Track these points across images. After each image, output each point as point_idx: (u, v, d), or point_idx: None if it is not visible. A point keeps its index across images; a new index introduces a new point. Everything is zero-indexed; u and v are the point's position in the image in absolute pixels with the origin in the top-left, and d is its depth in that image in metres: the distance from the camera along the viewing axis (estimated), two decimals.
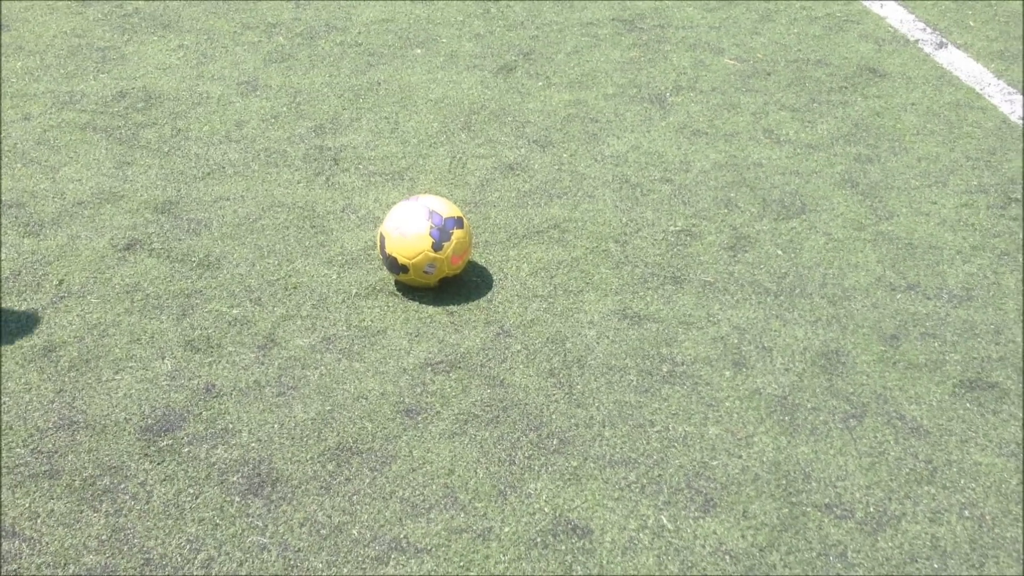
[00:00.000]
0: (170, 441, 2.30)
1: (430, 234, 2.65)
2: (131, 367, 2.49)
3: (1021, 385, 2.50)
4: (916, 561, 2.09)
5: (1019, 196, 3.17)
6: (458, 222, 2.70)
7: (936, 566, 2.08)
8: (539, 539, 2.11)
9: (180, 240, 2.93)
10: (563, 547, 2.10)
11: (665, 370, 2.53)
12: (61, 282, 2.75)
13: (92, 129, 3.43)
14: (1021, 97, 3.68)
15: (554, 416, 2.40)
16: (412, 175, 3.25)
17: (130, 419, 2.35)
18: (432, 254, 2.66)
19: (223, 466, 2.24)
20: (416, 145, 3.40)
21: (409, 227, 2.67)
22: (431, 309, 2.71)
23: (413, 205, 2.71)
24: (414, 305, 2.72)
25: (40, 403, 2.38)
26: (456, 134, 3.46)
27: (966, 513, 2.19)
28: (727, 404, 2.44)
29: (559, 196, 3.16)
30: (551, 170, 3.28)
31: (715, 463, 2.29)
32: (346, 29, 4.11)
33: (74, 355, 2.51)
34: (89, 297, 2.71)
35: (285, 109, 3.58)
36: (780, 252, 2.94)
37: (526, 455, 2.30)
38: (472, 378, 2.49)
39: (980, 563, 2.09)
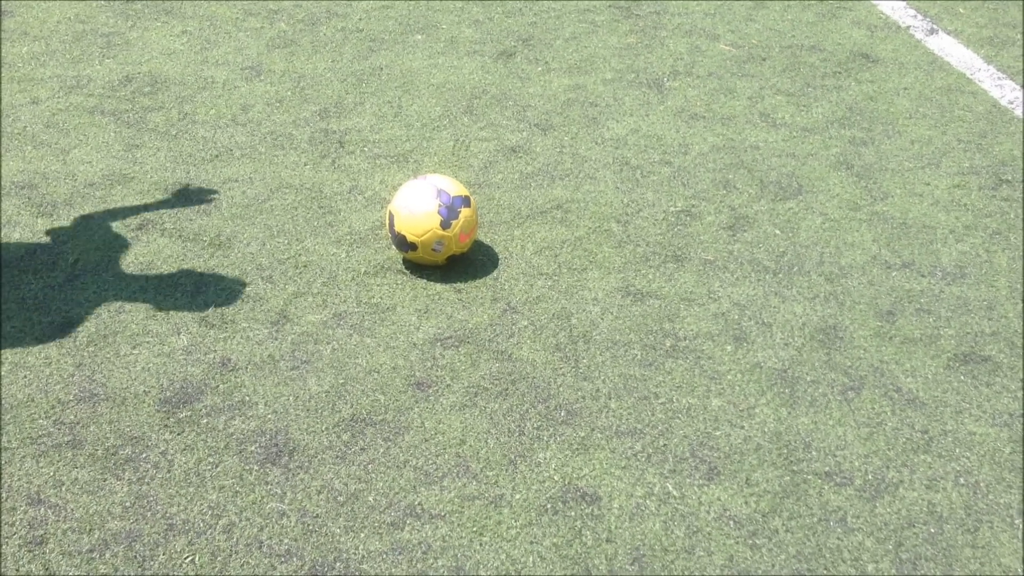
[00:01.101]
0: (189, 413, 2.36)
1: (438, 212, 2.71)
2: (148, 342, 2.54)
3: (1013, 358, 2.58)
4: (913, 526, 2.17)
5: (1009, 177, 3.26)
6: (465, 200, 2.76)
7: (932, 531, 2.16)
8: (549, 506, 2.18)
9: (191, 220, 2.98)
10: (572, 513, 2.17)
11: (668, 345, 2.60)
12: (76, 261, 2.80)
13: (100, 113, 3.47)
14: (1010, 82, 3.76)
15: (561, 389, 2.47)
16: (416, 157, 3.31)
17: (149, 392, 2.41)
18: (440, 232, 2.72)
19: (241, 436, 2.30)
20: (420, 128, 3.46)
21: (418, 205, 2.73)
22: (439, 287, 2.77)
23: (421, 184, 2.77)
24: (422, 283, 2.78)
25: (61, 376, 2.43)
26: (459, 118, 3.51)
27: (961, 480, 2.27)
28: (729, 377, 2.51)
29: (561, 178, 3.23)
30: (553, 152, 3.35)
31: (718, 433, 2.36)
32: (347, 15, 4.15)
33: (92, 331, 2.56)
34: (104, 275, 2.76)
35: (289, 93, 3.63)
36: (778, 232, 3.01)
37: (535, 426, 2.37)
38: (481, 353, 2.56)
39: (975, 528, 2.17)
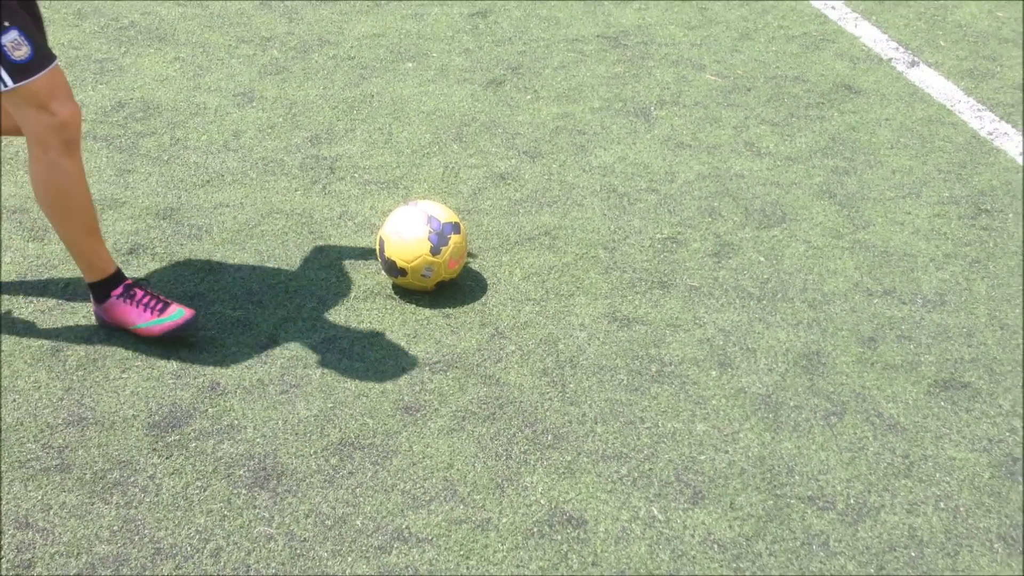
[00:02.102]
0: (177, 436, 2.37)
1: (428, 239, 2.74)
2: (137, 366, 2.56)
3: (992, 385, 2.62)
4: (894, 550, 2.20)
5: (988, 207, 3.32)
6: (455, 227, 2.80)
7: (913, 555, 2.19)
8: (536, 529, 2.20)
9: (182, 245, 3.01)
10: (559, 537, 2.19)
11: (654, 370, 2.64)
12: (67, 285, 2.82)
13: (92, 138, 3.50)
14: (990, 113, 3.83)
15: (548, 413, 2.49)
16: (406, 184, 3.35)
17: (138, 415, 2.42)
18: (430, 258, 2.75)
19: (229, 460, 2.32)
20: (410, 155, 3.50)
21: (408, 231, 2.76)
22: (428, 312, 2.80)
23: (412, 210, 2.81)
24: (411, 308, 2.81)
25: (49, 400, 2.45)
26: (448, 145, 3.56)
27: (941, 505, 2.30)
28: (714, 402, 2.55)
29: (549, 204, 3.27)
30: (541, 180, 3.39)
31: (703, 458, 2.39)
32: (338, 43, 4.21)
33: (81, 355, 2.58)
34: None
35: (281, 120, 3.67)
36: (762, 259, 3.06)
37: (522, 450, 2.39)
38: (469, 377, 2.58)
39: (955, 552, 2.20)
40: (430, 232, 2.75)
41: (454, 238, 2.78)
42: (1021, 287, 2.96)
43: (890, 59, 4.20)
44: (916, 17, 4.56)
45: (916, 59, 4.21)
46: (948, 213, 3.28)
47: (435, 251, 2.75)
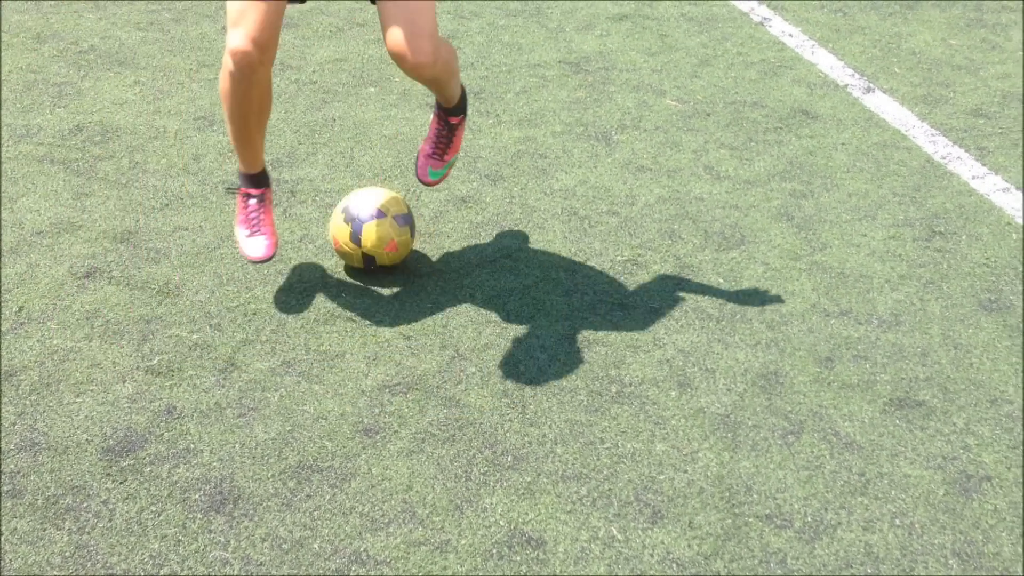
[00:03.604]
0: (132, 461, 2.34)
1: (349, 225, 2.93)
2: (92, 391, 2.53)
3: (945, 403, 2.66)
4: (851, 567, 2.21)
5: (942, 229, 3.38)
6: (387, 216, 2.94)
7: (869, 571, 2.21)
8: (495, 551, 2.19)
9: (139, 268, 2.98)
10: (518, 558, 2.18)
11: (614, 391, 2.64)
12: (21, 309, 2.78)
13: (49, 162, 3.47)
14: (943, 138, 3.91)
15: (508, 434, 2.49)
16: None
17: (92, 440, 2.38)
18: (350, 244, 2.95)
19: (185, 484, 2.29)
20: (371, 179, 3.50)
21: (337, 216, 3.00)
22: (388, 333, 2.79)
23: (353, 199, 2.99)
24: (371, 330, 2.80)
25: (2, 426, 2.40)
26: (410, 168, 3.57)
27: (897, 522, 2.32)
28: (673, 422, 2.56)
29: (510, 227, 3.28)
30: (502, 203, 3.41)
31: (662, 477, 2.40)
32: (301, 68, 4.21)
33: (35, 379, 2.54)
34: (49, 323, 2.74)
35: None
36: (721, 280, 3.09)
37: (481, 471, 2.38)
38: (428, 399, 2.58)
39: (910, 568, 2.22)
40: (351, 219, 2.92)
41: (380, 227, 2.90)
42: (974, 307, 3.01)
43: (846, 85, 4.28)
44: (872, 45, 4.65)
45: (872, 85, 4.29)
46: (903, 235, 3.34)
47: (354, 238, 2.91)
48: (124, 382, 2.55)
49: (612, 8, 4.92)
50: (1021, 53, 4.63)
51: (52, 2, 4.66)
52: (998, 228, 3.39)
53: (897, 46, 4.65)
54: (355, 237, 2.91)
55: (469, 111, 3.03)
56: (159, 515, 2.21)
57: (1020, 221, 3.42)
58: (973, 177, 3.67)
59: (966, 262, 3.21)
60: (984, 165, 3.74)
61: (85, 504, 2.22)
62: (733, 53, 4.51)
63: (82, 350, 2.66)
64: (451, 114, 2.99)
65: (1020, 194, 3.57)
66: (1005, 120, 4.05)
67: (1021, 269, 3.19)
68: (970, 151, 3.83)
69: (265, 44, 2.46)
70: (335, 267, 3.05)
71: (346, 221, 2.93)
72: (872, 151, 3.81)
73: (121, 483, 2.28)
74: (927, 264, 3.20)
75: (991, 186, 3.61)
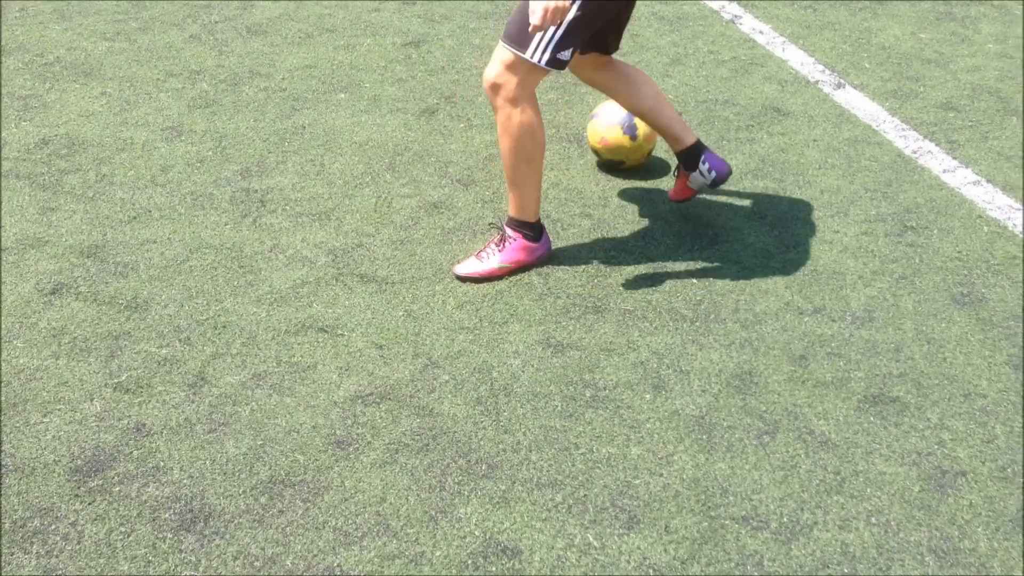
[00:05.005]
0: (100, 481, 2.30)
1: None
2: (59, 409, 2.49)
3: (919, 399, 2.66)
4: (828, 567, 2.21)
5: (914, 224, 3.39)
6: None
7: (846, 571, 2.20)
8: (470, 561, 2.17)
9: (107, 283, 2.94)
10: (493, 568, 2.16)
11: (588, 395, 2.63)
12: None
13: (15, 176, 3.43)
14: (914, 132, 3.92)
15: (482, 443, 2.47)
16: (339, 215, 3.32)
17: (59, 461, 2.35)
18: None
19: (154, 504, 2.26)
20: (342, 186, 3.48)
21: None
22: (360, 343, 2.77)
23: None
24: (343, 340, 2.78)
25: None
26: (381, 175, 3.54)
27: (872, 520, 2.32)
28: (648, 426, 2.55)
29: (483, 232, 3.26)
30: (474, 208, 3.39)
31: (637, 482, 2.39)
32: (270, 75, 4.18)
33: (0, 400, 2.50)
34: (15, 342, 2.70)
35: (210, 153, 3.62)
36: (695, 280, 3.08)
37: (456, 481, 2.36)
38: (402, 409, 2.55)
39: (887, 566, 2.21)
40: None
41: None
42: (946, 301, 3.02)
43: (817, 82, 4.28)
44: (842, 40, 4.66)
45: (842, 81, 4.30)
46: (875, 231, 3.34)
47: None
48: (92, 400, 2.52)
49: None
50: (991, 46, 4.66)
51: (17, 13, 4.61)
52: (969, 221, 3.40)
53: (867, 41, 4.66)
54: (631, 132, 3.45)
55: (535, 248, 3.09)
56: (128, 536, 2.18)
57: (990, 214, 3.43)
58: (944, 171, 3.68)
59: (938, 256, 3.22)
60: (955, 158, 3.75)
61: (53, 526, 2.19)
62: (704, 51, 4.50)
63: (49, 368, 2.62)
64: (509, 223, 3.07)
65: (990, 187, 3.58)
66: (975, 113, 4.06)
67: (992, 262, 3.20)
68: (940, 145, 3.84)
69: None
70: (306, 276, 3.02)
71: (618, 124, 3.47)
72: (843, 147, 3.81)
73: (90, 504, 2.25)
74: (899, 259, 3.21)
75: (961, 179, 3.63)
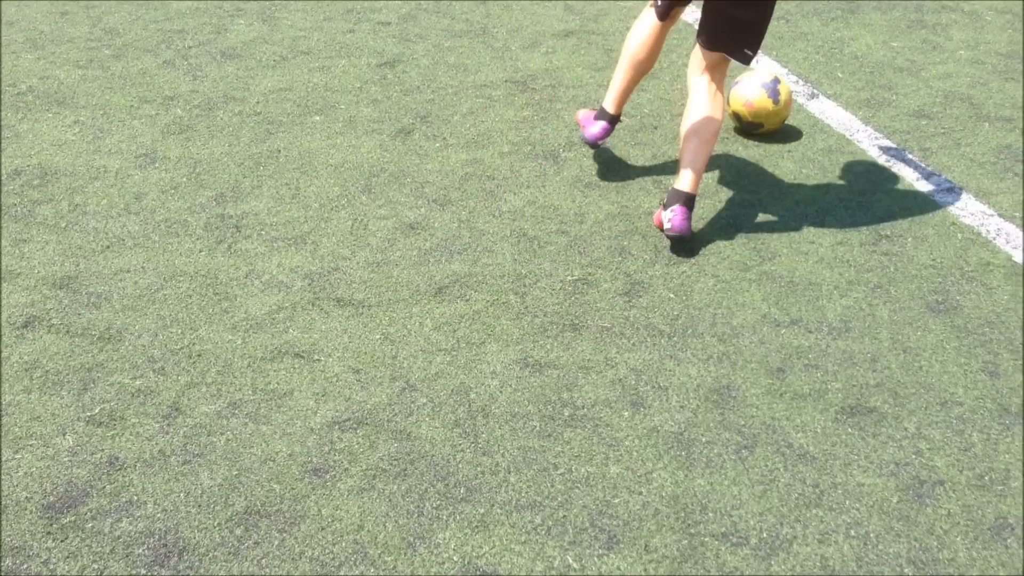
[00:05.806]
0: (73, 517, 2.28)
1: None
2: (31, 445, 2.46)
3: (897, 408, 2.66)
4: None
5: (888, 232, 3.40)
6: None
7: None
8: None
9: (80, 315, 2.92)
10: None
11: (567, 414, 2.62)
12: None
13: None
14: (887, 141, 3.94)
15: (460, 465, 2.46)
16: (315, 238, 3.31)
17: (31, 498, 2.32)
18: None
19: (128, 539, 2.23)
20: (318, 209, 3.47)
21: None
22: (337, 368, 2.75)
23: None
24: (320, 366, 2.76)
25: None
26: (357, 197, 3.54)
27: (852, 533, 2.32)
28: (627, 443, 2.54)
29: (459, 252, 3.26)
30: (451, 227, 3.38)
31: (617, 501, 2.38)
32: (244, 99, 4.17)
33: None
34: None
35: (185, 180, 3.61)
36: (672, 295, 3.08)
37: (434, 506, 2.35)
38: (379, 433, 2.54)
39: None
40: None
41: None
42: (921, 310, 3.03)
43: (790, 92, 4.30)
44: (814, 51, 4.69)
45: (816, 91, 4.32)
46: (850, 240, 3.35)
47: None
48: (64, 434, 2.49)
49: (557, 25, 4.93)
50: (962, 52, 4.69)
51: None
52: (943, 228, 3.41)
53: (839, 51, 4.69)
54: (775, 96, 3.75)
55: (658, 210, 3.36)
56: (102, 573, 2.15)
57: (964, 220, 3.45)
58: (917, 178, 3.70)
59: (912, 264, 3.23)
60: (928, 165, 3.77)
61: (25, 565, 2.16)
62: (678, 65, 4.52)
63: (21, 403, 2.59)
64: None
65: (963, 193, 3.60)
66: (947, 120, 4.08)
67: (966, 269, 3.21)
68: (913, 152, 3.86)
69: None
70: (282, 302, 3.01)
71: (763, 88, 3.78)
72: (818, 157, 3.83)
73: (62, 541, 2.22)
74: (875, 268, 3.21)
75: (935, 186, 3.64)
